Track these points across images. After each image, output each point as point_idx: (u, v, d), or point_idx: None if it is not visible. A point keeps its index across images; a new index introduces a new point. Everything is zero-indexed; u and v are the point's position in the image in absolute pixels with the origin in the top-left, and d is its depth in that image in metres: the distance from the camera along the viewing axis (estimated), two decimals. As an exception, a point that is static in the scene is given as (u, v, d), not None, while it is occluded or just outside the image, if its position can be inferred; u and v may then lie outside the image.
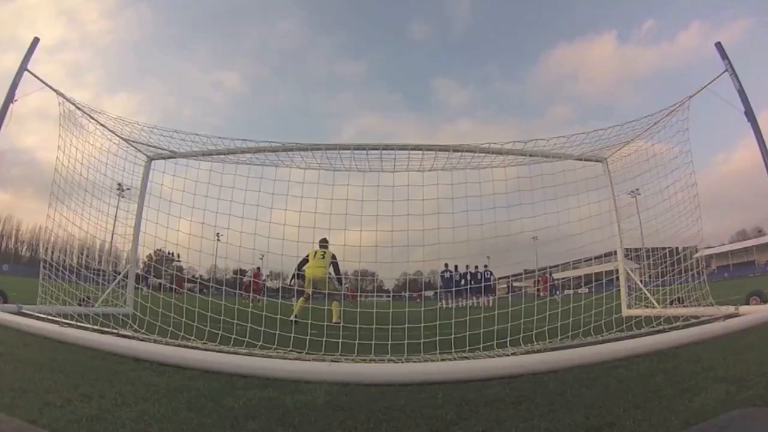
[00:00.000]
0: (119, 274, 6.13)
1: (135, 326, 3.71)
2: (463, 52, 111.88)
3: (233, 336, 3.36)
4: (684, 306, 5.01)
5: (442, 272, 13.69)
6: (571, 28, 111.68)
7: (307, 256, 6.65)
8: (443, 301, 12.36)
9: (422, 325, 3.58)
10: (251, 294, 9.75)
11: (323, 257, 6.73)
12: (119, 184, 6.10)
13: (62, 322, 3.70)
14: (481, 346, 3.17)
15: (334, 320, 5.75)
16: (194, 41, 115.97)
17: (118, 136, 5.72)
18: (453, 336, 3.32)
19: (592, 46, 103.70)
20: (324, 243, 6.65)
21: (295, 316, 5.59)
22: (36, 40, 5.11)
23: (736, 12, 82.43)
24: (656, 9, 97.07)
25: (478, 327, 3.52)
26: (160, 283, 5.22)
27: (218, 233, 4.93)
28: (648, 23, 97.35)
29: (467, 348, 3.13)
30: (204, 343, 3.21)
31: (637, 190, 6.25)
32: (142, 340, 3.23)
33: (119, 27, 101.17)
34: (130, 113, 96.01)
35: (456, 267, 13.86)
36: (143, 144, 5.93)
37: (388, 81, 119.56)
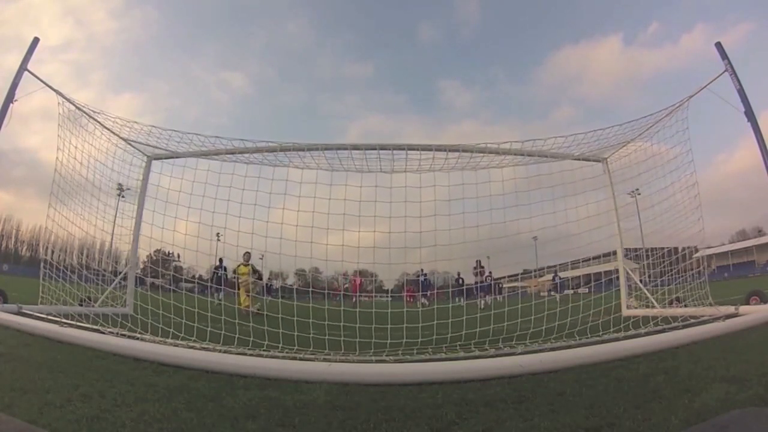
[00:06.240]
0: (119, 274, 6.13)
1: (133, 326, 3.71)
2: (469, 54, 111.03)
3: (237, 336, 3.37)
4: (684, 306, 5.01)
5: (419, 275, 13.76)
6: (576, 31, 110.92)
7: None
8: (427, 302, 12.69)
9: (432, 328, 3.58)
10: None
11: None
12: (119, 185, 6.09)
13: (62, 322, 3.70)
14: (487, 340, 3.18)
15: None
16: (200, 42, 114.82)
17: (117, 136, 5.72)
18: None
19: (597, 48, 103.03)
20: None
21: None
22: (36, 40, 5.10)
23: (739, 15, 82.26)
24: (660, 11, 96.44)
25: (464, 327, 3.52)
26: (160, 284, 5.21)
27: (218, 233, 4.93)
28: (653, 26, 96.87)
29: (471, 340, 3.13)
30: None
31: (637, 190, 6.25)
32: (142, 340, 3.23)
33: (125, 27, 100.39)
34: (135, 113, 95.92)
35: (462, 273, 13.91)
36: (143, 144, 5.93)
37: (394, 82, 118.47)
